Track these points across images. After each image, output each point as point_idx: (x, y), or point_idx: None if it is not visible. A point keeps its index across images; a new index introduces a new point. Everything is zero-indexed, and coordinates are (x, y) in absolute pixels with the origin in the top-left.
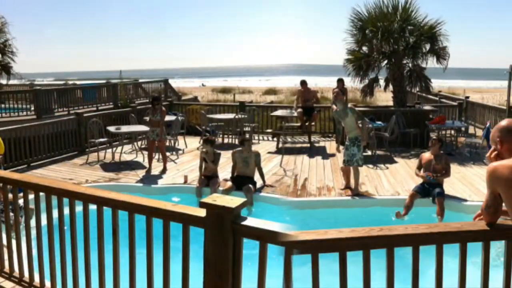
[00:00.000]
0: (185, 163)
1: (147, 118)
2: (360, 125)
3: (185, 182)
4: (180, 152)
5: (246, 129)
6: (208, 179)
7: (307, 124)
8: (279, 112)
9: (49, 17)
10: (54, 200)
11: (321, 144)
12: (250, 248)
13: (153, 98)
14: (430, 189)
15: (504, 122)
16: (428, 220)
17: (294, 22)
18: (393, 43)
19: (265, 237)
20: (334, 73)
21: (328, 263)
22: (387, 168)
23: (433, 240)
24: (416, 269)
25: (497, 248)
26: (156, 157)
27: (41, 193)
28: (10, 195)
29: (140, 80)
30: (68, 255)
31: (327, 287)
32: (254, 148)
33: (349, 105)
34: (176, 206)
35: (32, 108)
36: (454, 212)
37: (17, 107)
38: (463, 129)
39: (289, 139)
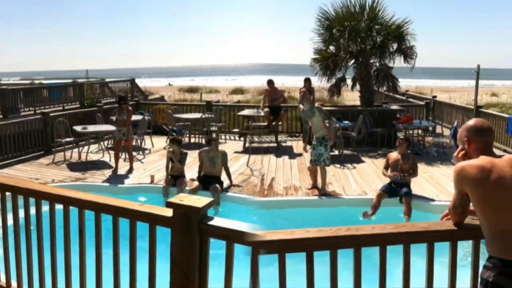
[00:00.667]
0: (151, 162)
1: (114, 118)
2: (327, 125)
3: (152, 181)
4: (147, 151)
5: (213, 128)
6: (175, 178)
7: (274, 123)
8: (246, 112)
9: (15, 16)
10: (20, 200)
11: (288, 143)
12: (217, 248)
13: (119, 97)
14: (398, 189)
15: (471, 122)
16: (396, 220)
17: (261, 21)
18: (360, 42)
19: (232, 237)
20: (301, 72)
21: (295, 263)
22: (354, 167)
23: (401, 240)
24: (383, 269)
25: (465, 248)
26: (123, 156)
27: (7, 193)
28: None
29: (107, 80)
30: (35, 255)
31: (294, 287)
32: (221, 147)
33: (316, 104)
34: (142, 206)
35: None
36: (422, 211)
37: None
38: (430, 128)
39: (256, 139)
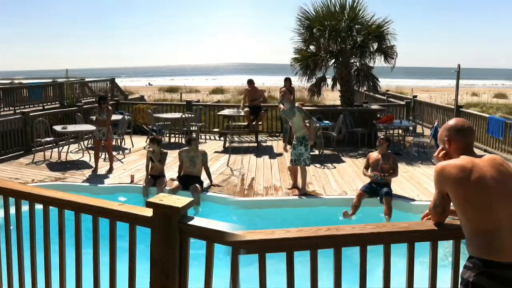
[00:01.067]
0: (131, 162)
1: (94, 118)
2: (308, 125)
3: (132, 181)
4: (127, 151)
5: (193, 128)
6: (155, 178)
7: (254, 123)
8: (226, 112)
9: None
10: (0, 200)
11: (268, 143)
12: (197, 248)
13: (99, 97)
14: (378, 189)
15: (452, 122)
16: (376, 219)
17: (242, 21)
18: (340, 42)
19: (212, 237)
20: (282, 72)
21: (275, 263)
22: (335, 167)
23: (381, 240)
24: (363, 269)
25: (445, 248)
26: (103, 156)
27: None
28: None
29: (87, 79)
30: (14, 255)
31: (274, 287)
32: (201, 147)
33: (296, 104)
34: (122, 206)
35: None
36: (402, 211)
37: None
38: (411, 128)
39: (236, 139)
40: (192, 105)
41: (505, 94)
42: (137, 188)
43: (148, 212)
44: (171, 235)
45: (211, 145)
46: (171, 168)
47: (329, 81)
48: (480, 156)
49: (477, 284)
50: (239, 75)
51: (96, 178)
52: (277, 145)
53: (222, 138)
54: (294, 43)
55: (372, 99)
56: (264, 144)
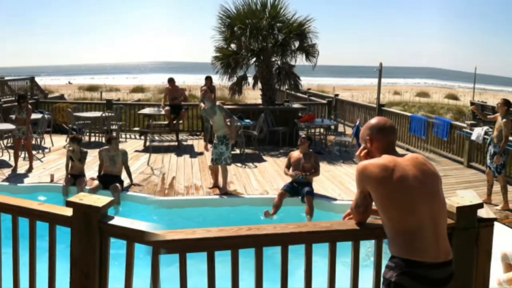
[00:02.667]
0: (51, 161)
1: (13, 117)
2: (229, 123)
3: (52, 181)
4: (47, 150)
5: (113, 127)
6: (75, 178)
7: (175, 122)
8: (146, 110)
9: None
10: None
11: (189, 142)
12: (117, 248)
13: (19, 96)
14: (299, 188)
15: (373, 120)
16: (297, 219)
17: (162, 19)
18: (261, 40)
19: (132, 237)
20: (203, 70)
21: (196, 262)
22: (256, 166)
23: (302, 240)
24: (285, 269)
25: (367, 247)
26: (22, 155)
27: None
28: None
29: (6, 78)
30: None
31: (195, 287)
32: (121, 146)
33: (218, 103)
34: (42, 205)
35: None
36: (324, 211)
37: None
38: (332, 127)
39: (156, 138)
40: (112, 104)
41: (427, 92)
42: (57, 187)
43: (68, 212)
44: (91, 234)
45: (131, 144)
46: (91, 167)
47: (250, 80)
48: (402, 155)
49: (399, 284)
50: (159, 74)
51: (15, 178)
52: (198, 144)
53: (142, 137)
54: (215, 41)
55: (293, 98)
56: (185, 143)
